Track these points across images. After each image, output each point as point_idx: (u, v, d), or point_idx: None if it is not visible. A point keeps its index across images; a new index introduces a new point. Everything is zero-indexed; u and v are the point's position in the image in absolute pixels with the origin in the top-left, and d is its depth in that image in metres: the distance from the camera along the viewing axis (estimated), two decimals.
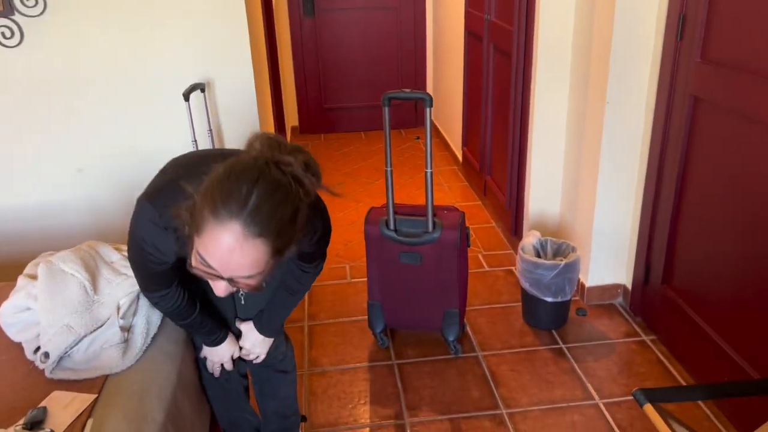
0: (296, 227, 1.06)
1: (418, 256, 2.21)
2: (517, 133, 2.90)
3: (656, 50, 2.17)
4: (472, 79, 3.65)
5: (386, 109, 2.13)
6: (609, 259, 2.52)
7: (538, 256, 2.46)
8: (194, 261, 1.05)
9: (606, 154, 2.34)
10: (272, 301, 1.55)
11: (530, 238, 2.48)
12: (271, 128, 3.73)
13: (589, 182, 2.45)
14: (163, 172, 1.32)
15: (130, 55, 2.28)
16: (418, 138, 4.82)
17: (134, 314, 1.57)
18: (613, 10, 2.15)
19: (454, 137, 4.31)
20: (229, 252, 0.99)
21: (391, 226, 2.22)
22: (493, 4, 3.08)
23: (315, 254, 1.45)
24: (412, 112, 4.97)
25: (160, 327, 1.60)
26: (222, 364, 1.58)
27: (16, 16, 2.17)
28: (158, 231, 1.22)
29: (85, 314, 1.45)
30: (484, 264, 2.96)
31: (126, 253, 1.61)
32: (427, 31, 4.83)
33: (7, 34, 2.19)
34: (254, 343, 1.58)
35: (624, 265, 2.53)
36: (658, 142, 2.20)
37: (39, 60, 2.24)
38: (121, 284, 1.55)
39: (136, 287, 1.58)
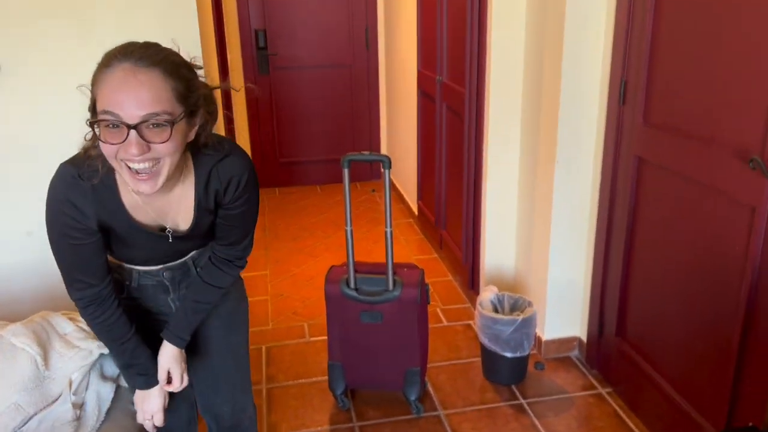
0: (192, 78, 1.14)
1: (379, 315, 2.22)
2: (471, 190, 2.98)
3: (601, 113, 2.30)
4: (425, 136, 3.75)
5: (346, 171, 2.16)
6: (564, 313, 2.58)
7: (496, 310, 2.49)
8: (101, 129, 1.08)
9: (557, 211, 2.43)
10: (186, 295, 1.44)
11: (487, 293, 2.52)
12: None
13: (542, 237, 2.53)
14: None
15: (82, 119, 2.25)
16: (373, 191, 4.87)
17: (86, 388, 1.51)
18: (559, 73, 2.27)
19: (410, 190, 4.38)
20: (124, 81, 1.05)
21: (352, 285, 2.22)
22: (445, 66, 3.20)
23: (245, 221, 1.36)
24: (368, 166, 5.04)
25: (113, 400, 1.54)
26: (156, 422, 1.45)
27: None
28: (76, 186, 1.19)
29: (35, 391, 1.39)
30: (443, 319, 2.97)
31: (81, 324, 1.56)
32: (380, 87, 4.96)
33: None
34: (169, 359, 1.42)
35: (579, 319, 2.59)
36: (607, 199, 2.30)
37: None
38: (73, 357, 1.49)
39: (89, 359, 1.52)
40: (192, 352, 1.54)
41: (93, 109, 1.12)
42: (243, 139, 4.81)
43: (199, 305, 1.44)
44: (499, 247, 2.87)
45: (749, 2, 1.57)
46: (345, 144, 5.01)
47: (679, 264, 1.95)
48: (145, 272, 1.41)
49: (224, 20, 4.32)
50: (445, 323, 2.94)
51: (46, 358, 1.45)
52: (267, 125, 4.87)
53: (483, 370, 2.53)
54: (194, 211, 1.30)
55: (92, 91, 1.10)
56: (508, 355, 2.36)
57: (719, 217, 1.75)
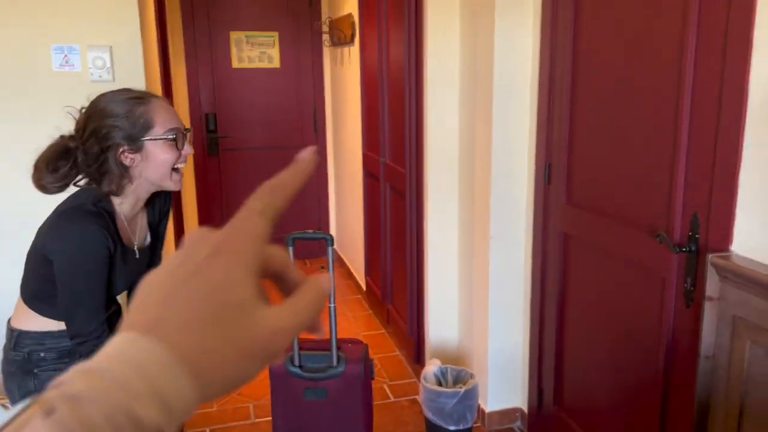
0: None
1: (324, 392, 2.23)
2: (414, 266, 3.08)
3: (530, 192, 2.47)
4: (371, 214, 3.88)
5: (291, 249, 2.24)
6: (505, 384, 2.64)
7: (440, 383, 2.54)
8: (167, 144, 1.41)
9: (495, 284, 2.54)
10: None
11: (431, 367, 2.57)
12: None
13: (482, 310, 2.63)
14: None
15: (35, 202, 2.28)
16: (322, 267, 4.93)
17: None
18: (490, 157, 2.45)
19: (358, 267, 4.45)
20: (168, 107, 1.45)
21: (296, 362, 2.24)
22: (387, 148, 3.38)
23: (164, 234, 1.69)
24: (317, 243, 5.12)
25: None
26: None
27: None
28: (96, 215, 1.39)
29: None
30: (390, 394, 2.99)
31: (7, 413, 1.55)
32: (328, 168, 5.12)
33: None
34: None
35: (520, 389, 2.66)
36: (539, 273, 2.44)
37: None
38: None
39: None
40: None
41: (134, 136, 1.39)
42: (191, 217, 4.84)
43: None
44: (442, 321, 2.95)
45: (649, 96, 1.78)
46: (295, 222, 5.08)
47: (605, 333, 2.07)
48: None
49: (174, 105, 4.45)
50: (392, 399, 2.95)
51: None
52: (216, 204, 4.92)
53: None
54: (148, 226, 1.61)
55: (139, 123, 1.39)
56: (452, 428, 2.40)
57: (636, 288, 1.89)
